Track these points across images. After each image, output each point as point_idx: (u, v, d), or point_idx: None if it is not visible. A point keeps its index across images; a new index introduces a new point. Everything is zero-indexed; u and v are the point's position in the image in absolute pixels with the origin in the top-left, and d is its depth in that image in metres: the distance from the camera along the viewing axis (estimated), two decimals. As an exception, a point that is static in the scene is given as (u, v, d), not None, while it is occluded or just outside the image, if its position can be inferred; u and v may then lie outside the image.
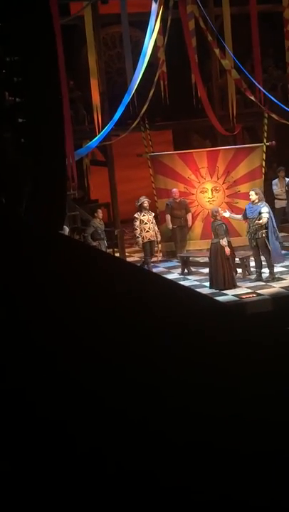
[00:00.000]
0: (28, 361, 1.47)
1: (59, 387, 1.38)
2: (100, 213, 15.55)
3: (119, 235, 16.14)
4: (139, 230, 15.56)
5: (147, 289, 2.05)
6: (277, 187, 17.27)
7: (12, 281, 2.13)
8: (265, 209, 14.40)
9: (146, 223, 15.60)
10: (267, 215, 14.30)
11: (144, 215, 15.65)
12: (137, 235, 15.61)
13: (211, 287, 14.09)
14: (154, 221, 15.80)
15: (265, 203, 14.70)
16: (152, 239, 15.69)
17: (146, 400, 1.34)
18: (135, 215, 15.72)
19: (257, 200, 14.55)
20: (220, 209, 14.78)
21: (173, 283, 2.35)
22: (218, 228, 14.09)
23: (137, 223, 15.61)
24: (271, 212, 14.70)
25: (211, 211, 14.78)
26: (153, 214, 15.86)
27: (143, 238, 15.56)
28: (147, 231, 15.58)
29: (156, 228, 15.80)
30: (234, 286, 14.01)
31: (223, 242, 13.94)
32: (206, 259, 15.37)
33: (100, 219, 15.38)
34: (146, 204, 15.69)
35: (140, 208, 15.68)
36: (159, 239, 15.96)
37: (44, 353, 1.54)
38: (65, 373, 1.42)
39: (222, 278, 14.01)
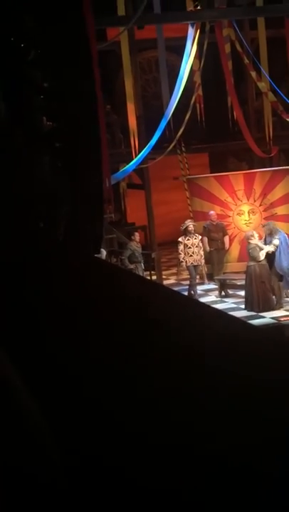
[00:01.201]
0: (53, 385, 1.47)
1: (90, 410, 1.38)
2: (136, 236, 15.53)
3: (156, 258, 16.16)
4: (183, 254, 15.41)
5: (180, 313, 2.05)
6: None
7: (45, 305, 2.14)
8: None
9: (190, 247, 15.39)
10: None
11: (188, 239, 15.44)
12: (181, 259, 15.47)
13: (246, 309, 14.06)
14: (200, 245, 15.57)
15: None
16: (196, 263, 15.44)
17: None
18: (179, 239, 15.54)
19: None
20: (255, 232, 14.68)
21: (205, 306, 2.33)
22: (252, 251, 14.05)
23: (181, 247, 15.41)
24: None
25: (245, 234, 14.72)
26: (199, 237, 15.61)
27: (186, 262, 15.41)
28: (191, 255, 15.34)
29: (201, 252, 15.55)
30: (270, 309, 13.89)
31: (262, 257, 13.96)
32: (243, 282, 15.31)
33: (137, 242, 15.37)
34: (191, 228, 15.50)
35: (185, 232, 15.51)
36: (203, 263, 15.73)
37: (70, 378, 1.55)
38: (90, 398, 1.42)
39: (257, 301, 13.95)
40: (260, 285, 13.91)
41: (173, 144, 16.78)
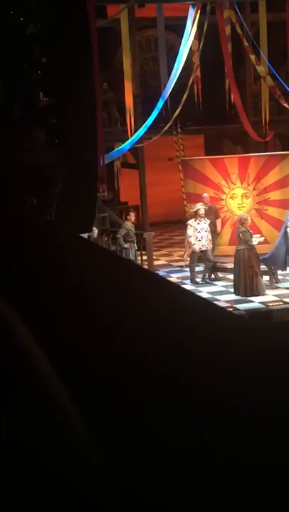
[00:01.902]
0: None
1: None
2: (132, 216, 15.48)
3: (148, 238, 16.14)
4: (194, 237, 15.06)
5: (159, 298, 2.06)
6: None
7: (30, 283, 2.15)
8: None
9: (199, 231, 15.10)
10: None
11: (198, 223, 15.13)
12: (193, 241, 15.00)
13: (234, 293, 14.11)
14: (209, 229, 15.25)
15: None
16: (204, 248, 15.08)
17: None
18: (189, 222, 15.24)
19: None
20: (249, 218, 14.67)
21: (187, 292, 2.34)
22: (243, 235, 14.06)
23: (191, 231, 15.10)
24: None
25: (239, 217, 14.66)
26: (208, 222, 15.27)
27: (193, 245, 15.01)
28: (199, 240, 15.04)
29: (209, 237, 15.24)
30: (258, 293, 13.91)
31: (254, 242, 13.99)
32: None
33: (132, 221, 15.35)
34: (202, 211, 15.14)
35: (195, 215, 15.19)
36: (210, 247, 15.34)
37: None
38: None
39: (244, 285, 13.98)
40: (248, 269, 13.94)
41: (169, 125, 16.73)
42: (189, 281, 15.38)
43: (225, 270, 15.86)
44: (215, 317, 1.91)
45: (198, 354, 1.56)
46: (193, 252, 15.07)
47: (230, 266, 15.59)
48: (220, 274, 15.63)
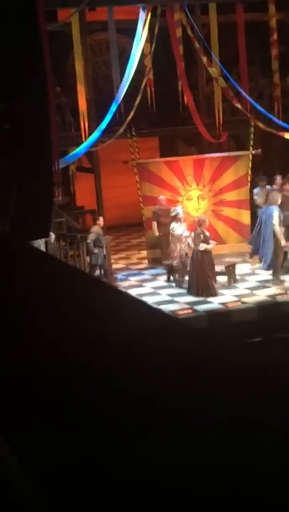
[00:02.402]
0: None
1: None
2: (101, 220, 15.39)
3: (106, 242, 16.06)
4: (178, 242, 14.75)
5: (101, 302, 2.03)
6: (258, 197, 17.09)
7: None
8: None
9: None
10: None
11: (180, 226, 14.89)
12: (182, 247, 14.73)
13: (187, 293, 14.16)
14: (188, 234, 14.79)
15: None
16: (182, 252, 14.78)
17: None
18: (173, 227, 14.89)
19: None
20: (207, 219, 14.70)
21: (126, 296, 2.32)
22: (196, 237, 14.13)
23: (180, 230, 14.76)
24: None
25: (197, 219, 14.68)
26: (183, 226, 14.95)
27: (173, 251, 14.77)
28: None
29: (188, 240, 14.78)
30: (211, 295, 13.92)
31: (202, 247, 13.96)
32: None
33: (100, 226, 15.27)
34: (181, 215, 14.94)
35: (175, 219, 14.94)
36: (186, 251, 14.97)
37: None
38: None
39: (196, 287, 14.03)
40: (200, 271, 13.99)
41: (123, 128, 16.71)
42: (146, 284, 15.38)
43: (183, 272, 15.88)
44: (161, 324, 1.89)
45: (144, 360, 1.54)
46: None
47: (189, 267, 15.64)
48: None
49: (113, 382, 1.46)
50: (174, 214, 15.01)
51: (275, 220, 14.38)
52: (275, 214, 14.42)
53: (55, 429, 1.30)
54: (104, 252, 15.09)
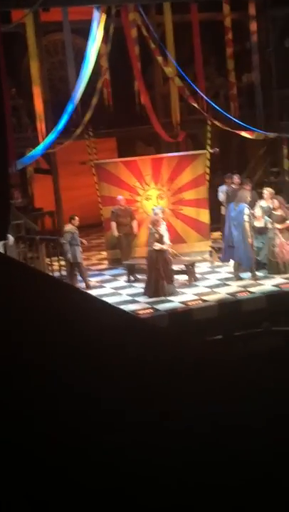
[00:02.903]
0: None
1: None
2: (76, 220, 15.28)
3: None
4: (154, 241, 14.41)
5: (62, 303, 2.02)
6: (223, 194, 17.21)
7: None
8: None
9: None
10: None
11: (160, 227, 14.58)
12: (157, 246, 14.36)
13: (143, 293, 14.18)
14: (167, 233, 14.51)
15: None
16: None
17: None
18: (151, 227, 14.59)
19: None
20: (161, 218, 14.65)
21: (83, 294, 2.32)
22: (150, 237, 14.17)
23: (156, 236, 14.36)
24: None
25: (151, 218, 14.72)
26: (162, 227, 14.54)
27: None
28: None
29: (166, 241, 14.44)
30: (164, 295, 13.94)
31: (157, 247, 13.97)
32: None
33: (75, 226, 15.19)
34: (160, 216, 14.62)
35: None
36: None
37: None
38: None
39: (149, 286, 14.08)
40: (154, 271, 14.01)
41: (80, 129, 16.66)
42: (107, 284, 15.37)
43: (143, 271, 15.89)
44: (120, 323, 1.88)
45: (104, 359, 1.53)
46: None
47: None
48: (139, 276, 15.65)
49: (74, 381, 1.45)
50: (154, 213, 14.81)
51: (246, 217, 14.50)
52: (246, 211, 14.54)
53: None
54: (81, 250, 15.03)
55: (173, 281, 14.32)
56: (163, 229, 14.30)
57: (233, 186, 16.68)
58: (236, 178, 17.02)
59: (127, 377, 1.47)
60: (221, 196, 17.09)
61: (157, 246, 13.99)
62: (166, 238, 14.38)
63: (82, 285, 14.74)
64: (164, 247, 14.09)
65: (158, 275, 13.97)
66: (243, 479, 1.17)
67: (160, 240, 14.08)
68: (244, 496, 1.15)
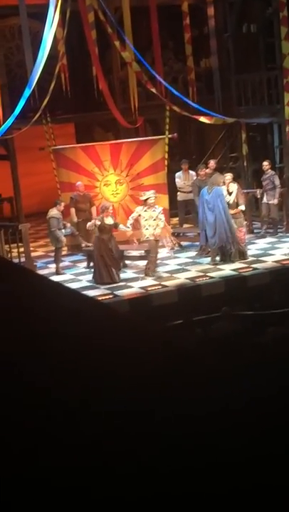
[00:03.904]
0: None
1: None
2: (62, 205, 15.21)
3: (24, 230, 15.89)
4: (140, 225, 14.49)
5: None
6: (180, 180, 17.27)
7: None
8: None
9: (146, 219, 14.47)
10: None
11: (145, 211, 14.49)
12: (128, 224, 14.51)
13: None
14: (162, 218, 14.50)
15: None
16: (151, 238, 14.40)
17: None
18: (137, 209, 14.69)
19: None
20: (111, 207, 14.70)
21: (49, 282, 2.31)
22: (93, 225, 14.34)
23: (135, 215, 14.51)
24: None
25: (101, 205, 14.79)
26: (158, 211, 14.52)
27: (143, 236, 14.49)
28: (147, 228, 14.42)
29: (159, 224, 14.45)
30: (109, 282, 13.96)
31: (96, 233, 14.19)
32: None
33: (60, 211, 15.13)
34: (152, 200, 14.49)
35: (145, 203, 14.53)
36: (168, 236, 15.01)
37: None
38: None
39: (97, 273, 14.16)
40: (100, 258, 14.05)
41: (38, 114, 16.52)
42: (66, 270, 15.34)
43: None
44: (81, 308, 1.88)
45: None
46: (149, 241, 14.50)
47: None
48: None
49: (36, 367, 1.44)
50: (144, 198, 14.69)
51: (227, 198, 14.59)
52: (225, 192, 14.63)
53: None
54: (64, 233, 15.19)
55: (120, 268, 14.33)
56: (108, 221, 14.28)
57: (202, 173, 16.60)
58: (212, 162, 17.07)
59: (93, 365, 1.47)
60: (178, 182, 17.16)
61: (97, 233, 14.11)
62: (129, 224, 14.45)
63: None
64: (105, 236, 14.11)
65: (103, 262, 14.00)
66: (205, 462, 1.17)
67: (103, 229, 14.11)
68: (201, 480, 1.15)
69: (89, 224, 14.47)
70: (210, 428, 1.25)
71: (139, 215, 14.53)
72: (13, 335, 1.62)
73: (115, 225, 14.42)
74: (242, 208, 14.97)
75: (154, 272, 14.36)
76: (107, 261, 14.00)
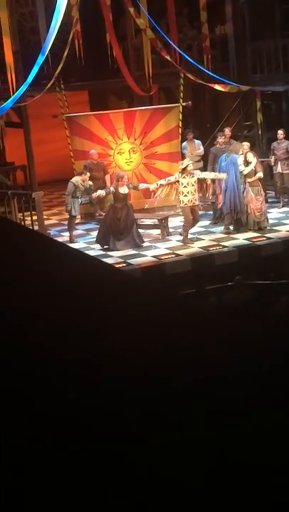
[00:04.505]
0: None
1: None
2: (87, 176, 15.19)
3: (37, 198, 15.88)
4: (173, 191, 14.48)
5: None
6: (187, 151, 17.09)
7: None
8: None
9: (185, 186, 14.37)
10: None
11: (184, 177, 14.38)
12: (157, 183, 14.60)
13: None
14: (196, 186, 14.40)
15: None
16: (189, 204, 14.33)
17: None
18: (175, 175, 14.62)
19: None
20: (126, 176, 14.68)
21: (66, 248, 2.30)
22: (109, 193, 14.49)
23: (172, 180, 14.50)
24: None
25: (116, 174, 14.79)
26: (195, 177, 14.46)
27: (181, 202, 14.40)
28: (186, 195, 14.32)
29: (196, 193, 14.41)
30: (103, 247, 14.30)
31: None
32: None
33: (83, 180, 15.11)
34: (190, 167, 14.42)
35: (183, 171, 14.42)
36: (199, 203, 14.68)
37: None
38: None
39: (100, 236, 14.44)
40: (103, 223, 14.30)
41: (52, 82, 16.42)
42: (80, 239, 15.35)
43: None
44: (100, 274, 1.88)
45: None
46: (183, 208, 14.50)
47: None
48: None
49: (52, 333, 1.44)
50: (183, 167, 14.56)
51: (242, 167, 14.55)
52: (240, 161, 14.59)
53: None
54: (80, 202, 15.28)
55: (121, 239, 14.34)
56: (123, 190, 14.32)
57: (221, 141, 16.43)
58: (227, 131, 16.91)
59: (118, 331, 1.47)
60: (186, 153, 17.01)
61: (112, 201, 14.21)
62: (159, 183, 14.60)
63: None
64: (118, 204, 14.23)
65: (105, 227, 14.34)
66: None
67: (117, 197, 14.17)
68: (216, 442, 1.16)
69: (100, 191, 14.49)
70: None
71: (178, 181, 14.47)
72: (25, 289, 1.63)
73: (134, 187, 14.60)
74: (260, 175, 14.90)
75: (186, 239, 14.36)
76: (108, 228, 14.14)
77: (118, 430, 1.13)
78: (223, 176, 14.48)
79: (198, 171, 14.66)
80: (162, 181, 14.68)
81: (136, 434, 1.13)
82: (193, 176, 14.46)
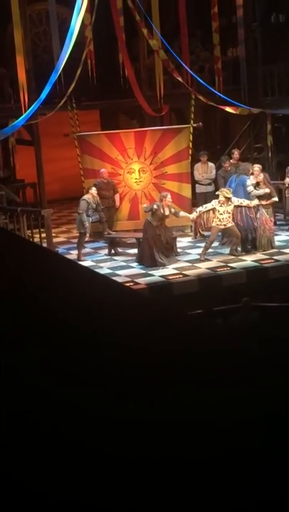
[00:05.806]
0: None
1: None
2: (94, 190, 15.26)
3: (46, 216, 15.94)
4: (209, 217, 14.45)
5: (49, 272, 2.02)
6: (198, 173, 17.14)
7: None
8: None
9: (221, 214, 14.35)
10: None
11: (221, 206, 14.35)
12: (196, 211, 14.69)
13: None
14: (232, 213, 14.35)
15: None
16: (221, 225, 14.42)
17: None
18: (212, 202, 14.54)
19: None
20: (169, 195, 14.70)
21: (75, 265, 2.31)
22: (151, 208, 14.36)
23: (209, 206, 14.46)
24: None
25: (160, 194, 14.83)
26: (232, 206, 14.38)
27: (212, 222, 14.38)
28: (220, 220, 14.36)
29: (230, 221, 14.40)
30: (151, 264, 14.12)
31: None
32: (133, 240, 15.42)
33: (93, 196, 15.17)
34: (226, 194, 14.35)
35: (224, 200, 14.32)
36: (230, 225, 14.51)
37: None
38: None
39: (140, 254, 14.29)
40: (144, 241, 14.17)
41: (64, 100, 16.53)
42: (88, 257, 15.36)
43: (124, 245, 15.91)
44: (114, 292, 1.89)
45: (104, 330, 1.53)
46: (212, 227, 14.56)
47: (130, 241, 15.69)
48: (120, 249, 15.66)
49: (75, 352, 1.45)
50: (228, 196, 14.43)
51: (250, 188, 14.57)
52: (249, 182, 14.62)
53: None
54: (90, 221, 15.26)
55: (168, 255, 14.34)
56: (165, 211, 14.38)
57: (232, 161, 16.63)
58: (236, 153, 17.04)
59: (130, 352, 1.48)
60: (196, 175, 17.09)
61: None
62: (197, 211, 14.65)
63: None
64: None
65: (148, 245, 14.18)
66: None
67: (154, 215, 14.24)
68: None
69: (146, 205, 14.65)
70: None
71: (214, 209, 14.51)
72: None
73: (175, 213, 14.62)
74: (275, 199, 14.97)
75: (203, 256, 14.45)
76: (152, 244, 14.10)
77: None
78: (255, 203, 14.54)
79: (235, 199, 14.58)
80: (201, 208, 14.72)
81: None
82: (230, 204, 14.47)
